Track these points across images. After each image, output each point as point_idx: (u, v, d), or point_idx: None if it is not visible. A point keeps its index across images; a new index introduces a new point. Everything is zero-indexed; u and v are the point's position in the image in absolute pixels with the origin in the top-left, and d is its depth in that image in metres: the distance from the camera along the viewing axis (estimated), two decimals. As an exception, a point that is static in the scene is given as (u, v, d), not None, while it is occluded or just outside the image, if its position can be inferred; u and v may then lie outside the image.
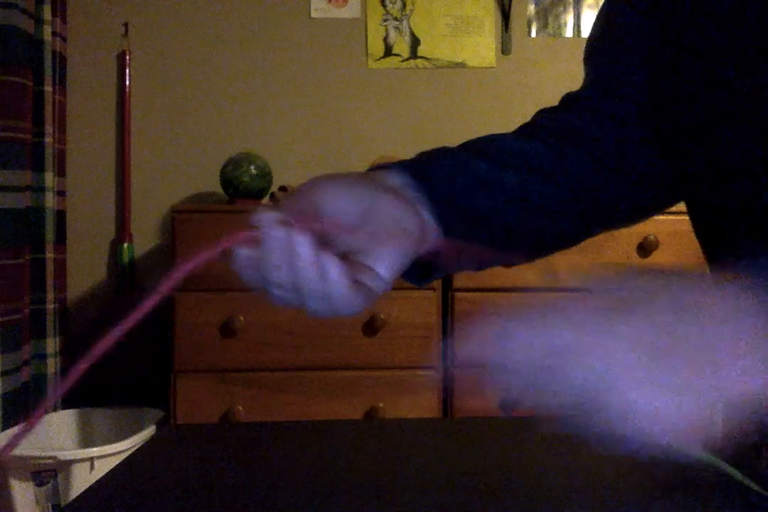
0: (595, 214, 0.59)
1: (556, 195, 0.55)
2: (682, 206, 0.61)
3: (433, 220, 0.50)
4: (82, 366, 0.36)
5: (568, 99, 0.63)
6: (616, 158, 0.58)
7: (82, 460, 1.50)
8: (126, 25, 2.16)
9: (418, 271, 0.52)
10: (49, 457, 1.48)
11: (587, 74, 0.64)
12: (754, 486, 0.38)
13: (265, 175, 1.91)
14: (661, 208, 0.62)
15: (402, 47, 2.22)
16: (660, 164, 0.58)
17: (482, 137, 0.59)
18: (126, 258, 2.11)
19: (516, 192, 0.54)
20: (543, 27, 2.24)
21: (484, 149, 0.55)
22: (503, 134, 0.59)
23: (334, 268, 0.40)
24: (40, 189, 1.93)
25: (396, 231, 0.44)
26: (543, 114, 0.63)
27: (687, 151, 0.54)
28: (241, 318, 1.69)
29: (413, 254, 0.46)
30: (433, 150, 0.55)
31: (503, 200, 0.53)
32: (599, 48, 0.62)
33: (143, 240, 2.16)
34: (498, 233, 0.54)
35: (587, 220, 0.59)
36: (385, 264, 0.43)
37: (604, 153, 0.58)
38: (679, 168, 0.56)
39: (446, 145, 0.57)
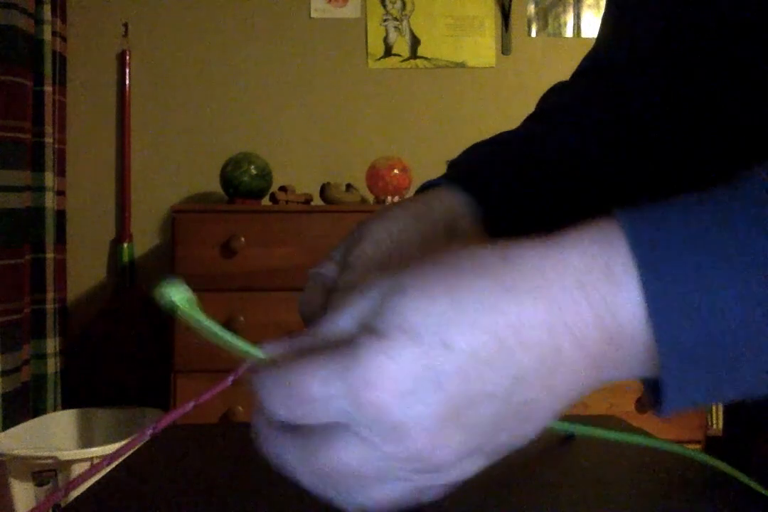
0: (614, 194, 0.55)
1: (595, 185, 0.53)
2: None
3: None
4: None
5: (592, 69, 0.60)
6: (649, 135, 0.55)
7: (82, 460, 1.50)
8: (126, 25, 2.16)
9: None
10: (49, 457, 1.48)
11: (603, 34, 0.60)
12: (754, 485, 0.38)
13: (265, 175, 1.91)
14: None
15: (402, 47, 2.22)
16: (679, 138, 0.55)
17: (530, 138, 0.54)
18: (126, 258, 2.11)
19: (567, 193, 0.51)
20: (543, 27, 2.24)
21: (541, 160, 0.52)
22: (548, 133, 0.55)
23: None
24: (40, 189, 1.93)
25: None
26: (571, 98, 0.59)
27: (703, 123, 0.52)
28: (241, 318, 1.69)
29: None
30: (486, 157, 0.51)
31: (555, 203, 0.50)
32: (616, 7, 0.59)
33: (143, 240, 2.16)
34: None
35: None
36: None
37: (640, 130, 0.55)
38: (693, 142, 0.53)
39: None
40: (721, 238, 0.26)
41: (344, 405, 0.26)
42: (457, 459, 0.27)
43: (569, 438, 0.51)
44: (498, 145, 0.53)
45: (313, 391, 0.27)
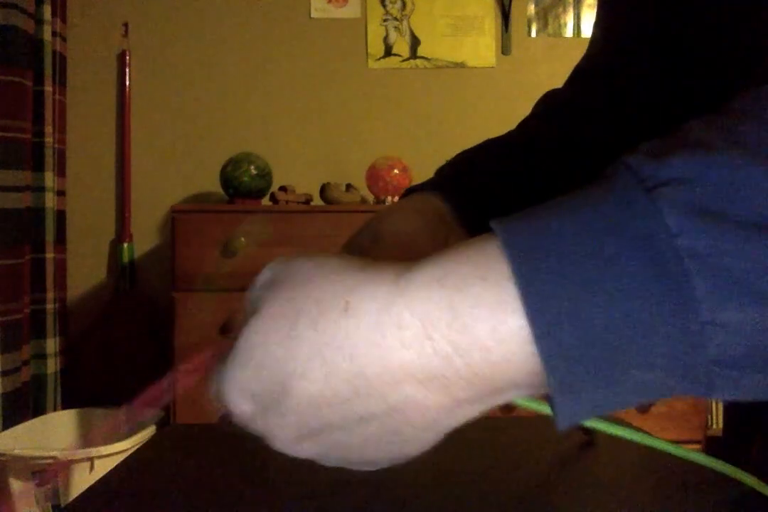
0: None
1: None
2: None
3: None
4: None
5: (587, 72, 0.61)
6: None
7: (82, 460, 1.50)
8: (126, 25, 2.16)
9: None
10: (49, 457, 1.48)
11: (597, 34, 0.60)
12: (755, 485, 0.38)
13: (265, 175, 1.91)
14: None
15: (402, 47, 2.22)
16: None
17: (516, 143, 0.55)
18: (126, 259, 2.11)
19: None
20: (543, 27, 2.24)
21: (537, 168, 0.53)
22: (534, 138, 0.56)
23: None
24: (40, 189, 1.93)
25: None
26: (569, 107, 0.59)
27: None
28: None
29: None
30: (465, 164, 0.53)
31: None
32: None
33: (143, 240, 2.16)
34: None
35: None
36: None
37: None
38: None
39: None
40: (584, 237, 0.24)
41: None
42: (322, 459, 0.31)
43: (588, 443, 0.51)
44: (480, 151, 0.55)
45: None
